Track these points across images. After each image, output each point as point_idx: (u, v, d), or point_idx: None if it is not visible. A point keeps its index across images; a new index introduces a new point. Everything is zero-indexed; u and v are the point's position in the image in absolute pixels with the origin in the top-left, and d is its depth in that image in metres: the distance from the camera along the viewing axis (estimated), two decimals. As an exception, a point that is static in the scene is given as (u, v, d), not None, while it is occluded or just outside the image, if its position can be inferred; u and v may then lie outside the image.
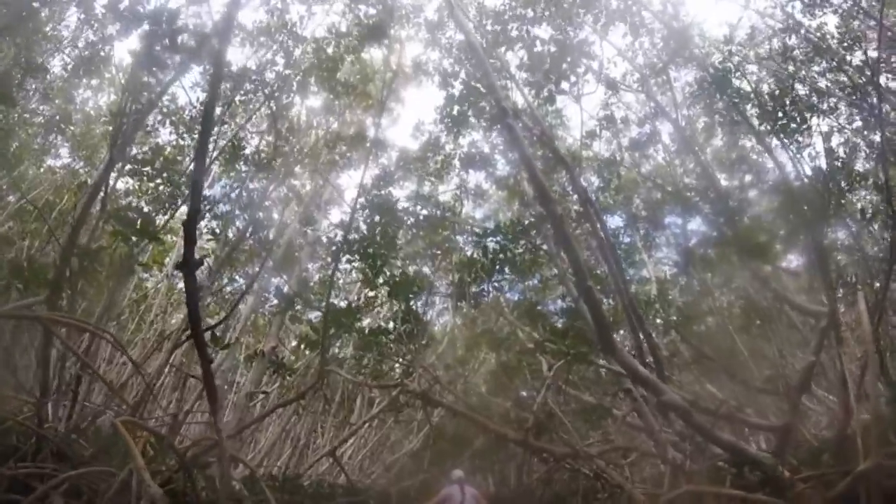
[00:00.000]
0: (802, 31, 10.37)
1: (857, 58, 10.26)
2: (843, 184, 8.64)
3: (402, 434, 18.96)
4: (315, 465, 14.97)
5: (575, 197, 11.50)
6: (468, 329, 15.65)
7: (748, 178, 10.59)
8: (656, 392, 6.85)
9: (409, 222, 10.83)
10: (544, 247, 12.22)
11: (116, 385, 8.83)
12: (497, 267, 10.58)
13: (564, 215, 6.86)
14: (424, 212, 10.73)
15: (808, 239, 10.74)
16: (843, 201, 8.80)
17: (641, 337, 8.48)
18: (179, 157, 11.79)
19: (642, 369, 6.93)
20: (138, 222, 6.34)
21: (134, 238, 6.32)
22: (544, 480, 10.62)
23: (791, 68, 9.93)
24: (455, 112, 12.47)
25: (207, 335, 5.66)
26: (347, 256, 8.90)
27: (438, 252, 11.84)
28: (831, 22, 10.76)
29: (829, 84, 10.49)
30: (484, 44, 10.70)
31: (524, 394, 13.92)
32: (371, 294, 11.51)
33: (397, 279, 7.76)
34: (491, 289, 11.74)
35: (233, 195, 10.85)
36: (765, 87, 10.28)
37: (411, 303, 7.96)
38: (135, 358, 8.82)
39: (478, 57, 8.47)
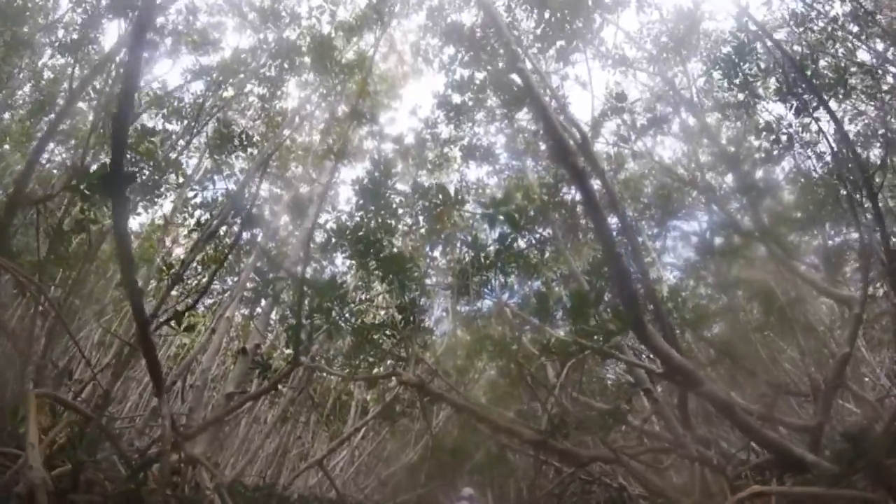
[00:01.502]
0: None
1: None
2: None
3: (398, 446, 17.70)
4: (305, 478, 13.73)
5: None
6: (468, 332, 14.47)
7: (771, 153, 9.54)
8: (694, 382, 5.75)
9: (405, 209, 9.71)
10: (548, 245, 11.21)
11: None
12: (500, 262, 9.54)
13: (585, 171, 5.75)
14: (423, 202, 9.59)
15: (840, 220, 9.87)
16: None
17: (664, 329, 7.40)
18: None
19: (678, 356, 5.82)
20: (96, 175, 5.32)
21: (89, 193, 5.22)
22: (556, 495, 9.42)
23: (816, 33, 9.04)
24: (456, 100, 11.54)
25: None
26: (335, 239, 7.82)
27: (439, 239, 10.67)
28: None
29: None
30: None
31: (525, 407, 12.85)
32: (367, 290, 10.39)
33: (391, 256, 6.62)
34: (496, 283, 10.65)
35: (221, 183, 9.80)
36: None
37: (408, 289, 6.81)
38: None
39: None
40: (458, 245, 10.52)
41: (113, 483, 5.92)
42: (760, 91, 9.78)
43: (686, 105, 10.29)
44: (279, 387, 10.18)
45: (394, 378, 7.14)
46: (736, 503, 4.53)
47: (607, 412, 8.68)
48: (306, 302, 5.61)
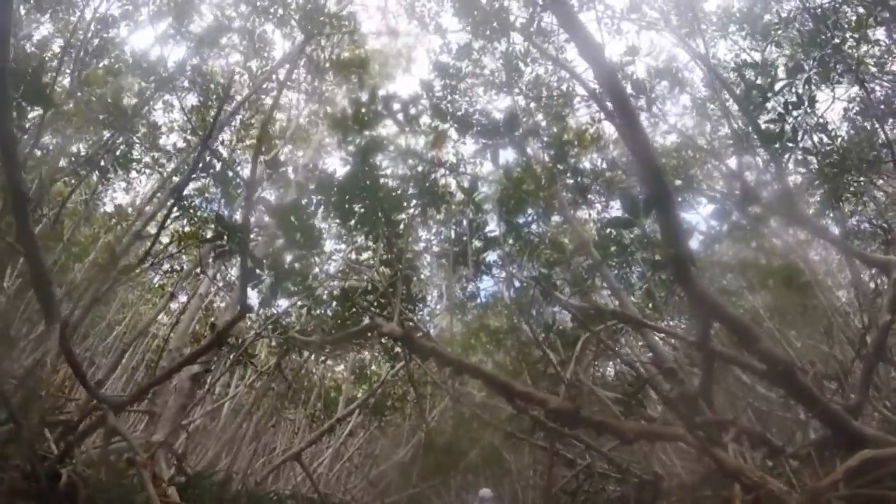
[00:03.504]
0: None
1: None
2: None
3: (389, 444, 16.31)
4: (289, 476, 12.33)
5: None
6: (464, 320, 13.12)
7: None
8: (750, 338, 4.49)
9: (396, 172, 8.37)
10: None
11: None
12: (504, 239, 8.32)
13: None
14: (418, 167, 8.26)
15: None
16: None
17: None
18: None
19: (729, 308, 4.57)
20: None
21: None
22: (570, 492, 8.03)
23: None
24: (451, 69, 10.30)
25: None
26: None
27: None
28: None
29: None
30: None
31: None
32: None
33: (377, 196, 5.27)
34: (497, 257, 9.39)
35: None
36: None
37: (395, 229, 5.55)
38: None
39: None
40: (453, 221, 9.16)
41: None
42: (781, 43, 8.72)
43: (701, 60, 9.12)
44: (251, 367, 8.87)
45: (374, 332, 5.65)
46: (831, 484, 3.24)
47: (629, 393, 7.40)
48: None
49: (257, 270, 4.91)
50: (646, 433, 4.10)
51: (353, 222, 6.05)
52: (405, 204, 6.40)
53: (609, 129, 11.00)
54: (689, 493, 5.54)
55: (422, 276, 9.64)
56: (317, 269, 6.24)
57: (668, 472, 6.57)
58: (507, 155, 7.66)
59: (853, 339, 8.82)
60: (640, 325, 6.11)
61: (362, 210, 5.58)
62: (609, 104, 8.24)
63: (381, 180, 5.39)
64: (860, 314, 9.44)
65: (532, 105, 10.54)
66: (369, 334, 7.82)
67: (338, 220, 6.06)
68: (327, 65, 8.92)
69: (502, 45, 10.09)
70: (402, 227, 6.09)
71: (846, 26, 8.12)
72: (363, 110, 5.32)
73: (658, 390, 8.52)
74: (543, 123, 10.77)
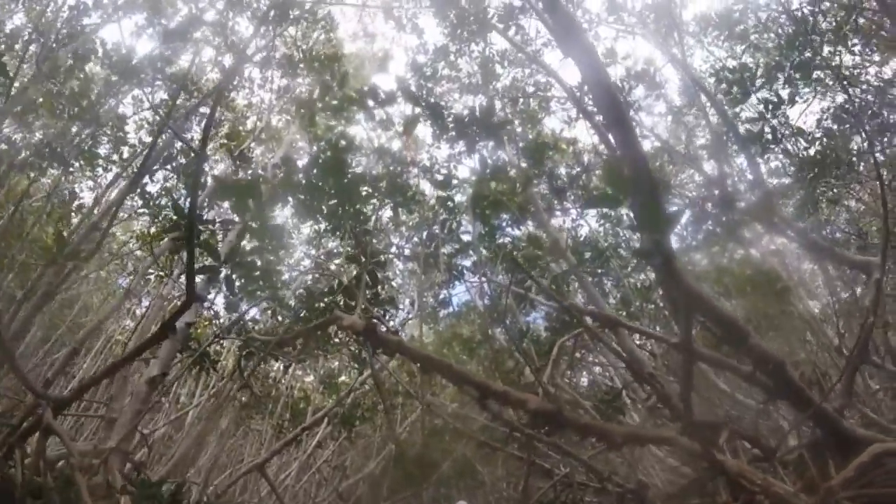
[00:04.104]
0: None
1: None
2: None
3: (359, 456, 15.75)
4: (252, 488, 11.73)
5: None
6: (435, 330, 12.71)
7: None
8: (739, 336, 4.18)
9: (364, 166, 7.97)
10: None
11: None
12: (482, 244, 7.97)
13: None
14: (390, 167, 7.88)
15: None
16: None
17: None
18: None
19: (717, 303, 4.26)
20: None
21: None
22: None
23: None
24: (427, 68, 9.98)
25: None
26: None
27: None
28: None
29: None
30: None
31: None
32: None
33: (343, 181, 4.85)
34: (471, 263, 9.04)
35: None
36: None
37: (362, 219, 5.12)
38: None
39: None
40: (425, 225, 8.75)
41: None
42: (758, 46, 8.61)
43: (679, 64, 8.95)
44: (215, 372, 8.35)
45: (336, 326, 5.10)
46: (843, 482, 2.93)
47: (606, 400, 7.07)
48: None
49: (212, 262, 4.49)
50: (635, 437, 3.74)
51: (318, 215, 5.66)
52: (373, 195, 6.01)
53: (583, 136, 10.78)
54: (677, 501, 5.18)
55: (389, 276, 9.22)
56: (280, 265, 5.79)
57: (650, 481, 6.21)
58: (482, 153, 7.33)
59: (828, 346, 8.68)
60: (618, 325, 5.78)
61: (328, 200, 5.18)
62: (589, 104, 8.02)
63: (349, 169, 4.99)
64: (836, 320, 9.34)
65: (508, 110, 10.27)
66: (331, 331, 7.38)
67: (303, 212, 5.64)
68: (300, 62, 8.51)
69: (479, 47, 9.85)
70: (370, 221, 5.69)
71: (825, 29, 8.05)
72: (333, 93, 4.95)
73: (638, 396, 8.22)
74: (519, 128, 10.53)
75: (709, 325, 4.39)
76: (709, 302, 4.22)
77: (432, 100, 10.02)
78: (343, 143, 5.30)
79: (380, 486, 14.00)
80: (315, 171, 5.21)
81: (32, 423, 4.44)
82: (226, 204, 9.90)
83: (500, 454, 10.13)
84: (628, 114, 4.29)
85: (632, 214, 4.55)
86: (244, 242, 6.08)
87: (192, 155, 6.27)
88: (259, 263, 5.08)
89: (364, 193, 5.18)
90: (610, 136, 7.42)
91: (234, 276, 4.37)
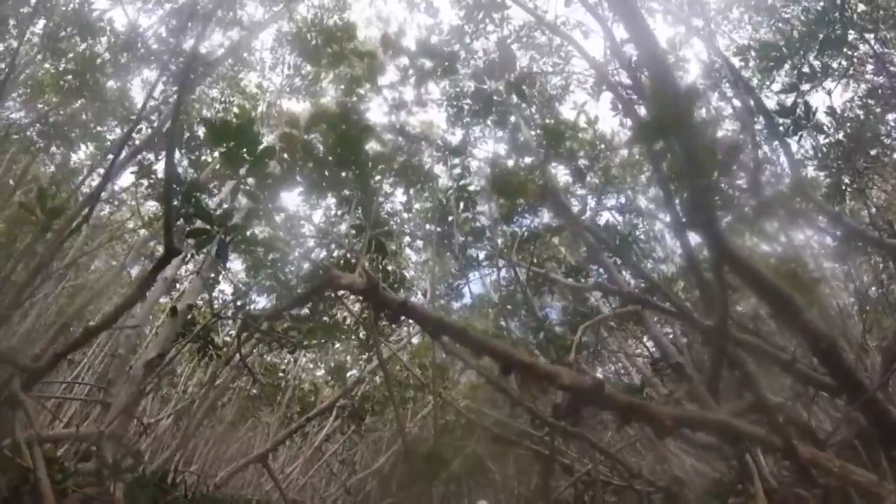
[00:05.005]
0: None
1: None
2: None
3: (368, 452, 15.27)
4: (256, 481, 11.29)
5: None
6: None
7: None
8: (791, 310, 3.66)
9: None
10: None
11: None
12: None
13: None
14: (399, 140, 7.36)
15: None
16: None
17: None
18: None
19: (766, 271, 3.72)
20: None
21: None
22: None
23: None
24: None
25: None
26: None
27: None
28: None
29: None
30: None
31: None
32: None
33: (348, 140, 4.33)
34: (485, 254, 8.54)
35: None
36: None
37: (368, 181, 4.59)
38: None
39: None
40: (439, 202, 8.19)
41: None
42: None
43: (705, 41, 8.40)
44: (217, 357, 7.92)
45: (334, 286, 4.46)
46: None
47: (633, 390, 6.49)
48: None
49: (204, 224, 4.02)
50: (688, 419, 3.14)
51: (324, 183, 5.18)
52: (384, 169, 5.52)
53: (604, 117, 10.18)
54: (710, 499, 4.61)
55: (394, 248, 8.74)
56: (277, 230, 5.32)
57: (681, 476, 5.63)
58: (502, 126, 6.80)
59: (854, 341, 8.14)
60: (648, 305, 5.21)
61: (335, 168, 4.69)
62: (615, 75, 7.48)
63: (361, 140, 4.47)
64: (862, 313, 8.82)
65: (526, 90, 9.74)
66: (340, 318, 6.90)
67: (308, 182, 5.17)
68: (308, 31, 8.05)
69: (496, 24, 9.33)
70: (379, 191, 5.20)
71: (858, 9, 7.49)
72: (337, 37, 4.48)
73: (658, 392, 7.66)
74: (536, 115, 10.03)
75: (757, 295, 3.83)
76: (757, 270, 3.70)
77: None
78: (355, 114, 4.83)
79: (389, 481, 13.50)
80: (324, 138, 4.74)
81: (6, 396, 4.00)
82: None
83: (512, 451, 9.62)
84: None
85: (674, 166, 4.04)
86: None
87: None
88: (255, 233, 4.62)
89: (375, 166, 4.69)
90: (635, 109, 6.90)
91: (226, 240, 3.90)
